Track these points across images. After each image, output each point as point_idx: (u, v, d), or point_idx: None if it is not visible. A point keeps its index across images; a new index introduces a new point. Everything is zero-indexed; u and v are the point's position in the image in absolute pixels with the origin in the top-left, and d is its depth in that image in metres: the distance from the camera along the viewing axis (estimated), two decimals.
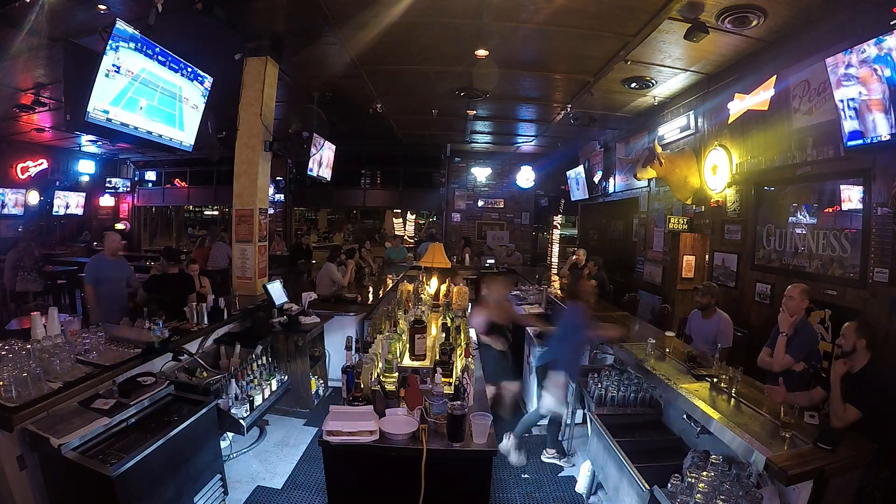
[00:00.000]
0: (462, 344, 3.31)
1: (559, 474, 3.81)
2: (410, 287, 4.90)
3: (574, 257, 7.67)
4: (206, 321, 4.03)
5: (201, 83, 4.83)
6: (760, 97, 4.83)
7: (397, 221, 16.16)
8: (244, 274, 5.49)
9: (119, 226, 12.94)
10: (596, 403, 3.52)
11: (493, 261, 10.29)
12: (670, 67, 5.59)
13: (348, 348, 2.83)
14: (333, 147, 8.38)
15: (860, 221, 3.80)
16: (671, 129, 6.84)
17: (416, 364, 3.16)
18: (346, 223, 16.31)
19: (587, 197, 10.50)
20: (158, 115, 4.35)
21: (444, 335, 3.59)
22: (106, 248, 5.04)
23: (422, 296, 4.78)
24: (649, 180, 7.20)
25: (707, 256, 6.01)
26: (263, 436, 4.21)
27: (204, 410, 2.90)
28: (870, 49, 3.28)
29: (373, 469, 2.30)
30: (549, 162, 11.82)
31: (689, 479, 2.25)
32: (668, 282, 6.70)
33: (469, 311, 4.71)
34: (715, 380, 2.97)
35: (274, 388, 3.85)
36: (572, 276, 5.04)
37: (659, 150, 6.03)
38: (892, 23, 3.19)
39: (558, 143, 10.42)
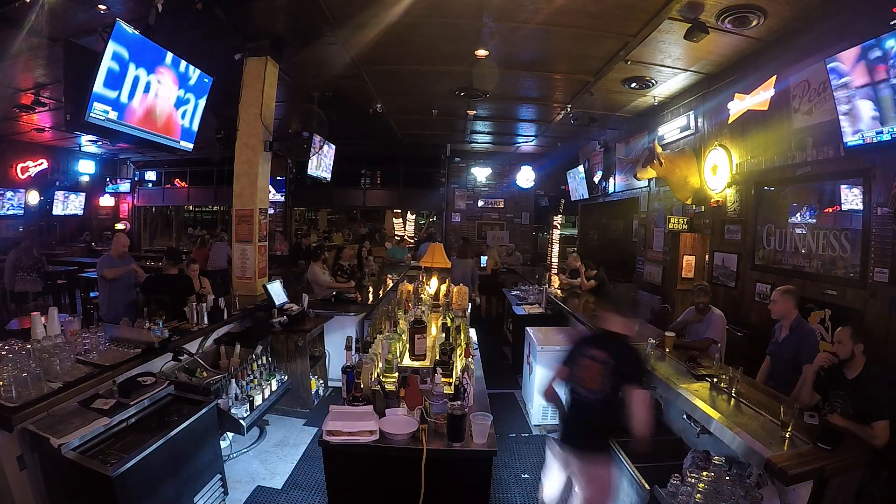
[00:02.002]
0: (462, 344, 3.31)
1: None
2: (410, 287, 4.90)
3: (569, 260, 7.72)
4: (206, 321, 4.03)
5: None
6: (760, 97, 4.83)
7: (397, 221, 16.14)
8: (244, 274, 5.49)
9: (119, 226, 12.95)
10: None
11: None
12: (670, 67, 5.58)
13: (348, 348, 2.84)
14: (333, 147, 8.38)
15: (860, 221, 3.80)
16: (671, 129, 6.84)
17: (416, 364, 3.16)
18: (347, 224, 16.28)
19: (587, 197, 10.50)
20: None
21: (444, 335, 3.59)
22: (114, 249, 5.14)
23: (422, 296, 4.77)
24: (649, 180, 7.20)
25: (707, 256, 6.01)
26: (263, 436, 4.21)
27: (204, 410, 2.90)
28: None
29: (373, 469, 2.30)
30: (549, 162, 11.82)
31: (690, 479, 2.25)
32: (668, 282, 6.70)
33: None
34: (715, 380, 2.97)
35: (274, 388, 3.85)
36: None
37: (659, 150, 6.03)
38: (892, 23, 3.20)
39: (558, 143, 10.42)
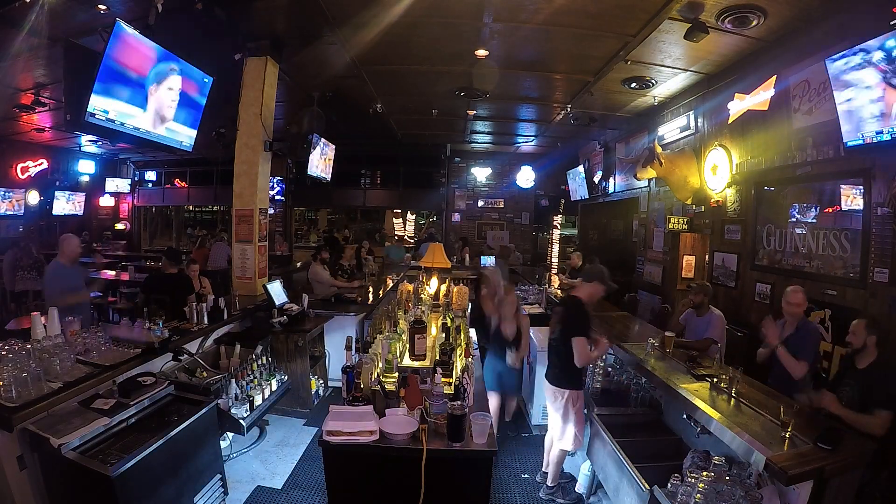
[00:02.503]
0: (462, 344, 3.31)
1: None
2: (410, 287, 4.90)
3: (571, 259, 7.72)
4: (206, 321, 4.03)
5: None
6: (760, 97, 4.82)
7: (397, 221, 16.14)
8: (244, 274, 5.49)
9: (119, 226, 12.93)
10: (596, 403, 3.52)
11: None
12: (670, 67, 5.58)
13: (348, 348, 2.83)
14: (333, 147, 8.37)
15: (860, 221, 3.80)
16: (671, 129, 6.84)
17: (416, 364, 3.15)
18: (347, 223, 16.26)
19: (587, 197, 10.50)
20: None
21: (444, 335, 3.59)
22: (63, 255, 4.32)
23: (422, 296, 4.77)
24: (649, 180, 7.20)
25: (707, 256, 6.01)
26: (263, 436, 4.21)
27: (204, 410, 2.90)
28: None
29: (373, 469, 2.30)
30: (549, 162, 11.82)
31: (690, 479, 2.25)
32: (668, 282, 6.70)
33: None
34: (715, 380, 2.97)
35: (274, 388, 3.85)
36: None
37: (659, 150, 6.03)
38: (892, 23, 3.20)
39: (558, 143, 10.42)
